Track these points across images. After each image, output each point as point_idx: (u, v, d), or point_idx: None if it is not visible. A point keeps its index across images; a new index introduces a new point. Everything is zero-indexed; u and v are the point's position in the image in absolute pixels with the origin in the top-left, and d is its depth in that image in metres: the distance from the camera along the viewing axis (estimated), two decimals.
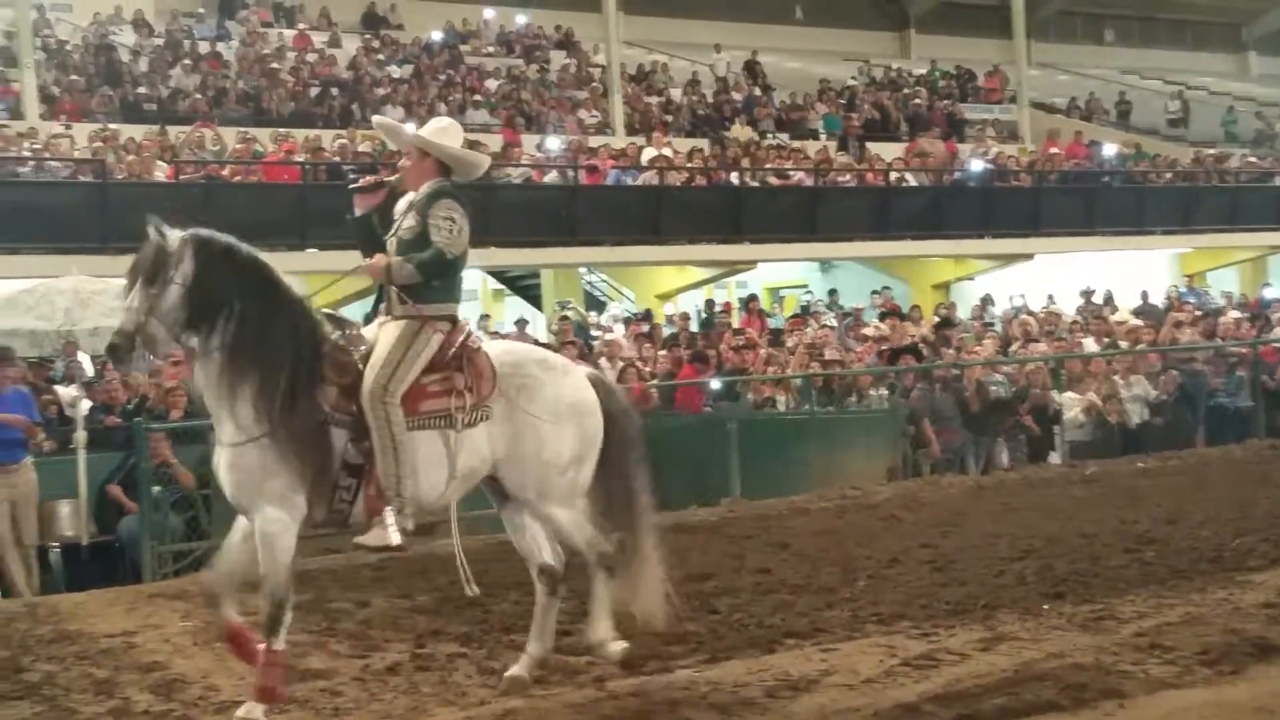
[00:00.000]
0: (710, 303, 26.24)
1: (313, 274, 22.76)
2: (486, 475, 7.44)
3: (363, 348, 7.28)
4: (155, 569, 11.94)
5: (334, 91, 27.57)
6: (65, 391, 13.80)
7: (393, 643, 8.92)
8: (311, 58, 28.81)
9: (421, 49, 30.98)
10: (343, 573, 11.61)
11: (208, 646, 9.01)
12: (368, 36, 30.99)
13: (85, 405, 13.25)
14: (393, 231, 7.43)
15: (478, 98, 29.30)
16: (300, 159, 22.93)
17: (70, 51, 27.00)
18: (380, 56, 29.90)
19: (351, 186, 7.63)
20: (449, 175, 7.51)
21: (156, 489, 12.31)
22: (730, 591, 10.12)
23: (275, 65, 27.90)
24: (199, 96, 26.03)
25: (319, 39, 29.99)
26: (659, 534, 7.95)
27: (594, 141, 27.94)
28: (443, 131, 7.57)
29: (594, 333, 22.09)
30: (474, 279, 26.13)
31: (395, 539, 7.13)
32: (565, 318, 22.03)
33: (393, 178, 7.69)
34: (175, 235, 7.00)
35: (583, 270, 27.03)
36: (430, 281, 7.30)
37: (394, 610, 10.03)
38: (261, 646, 7.01)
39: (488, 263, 24.76)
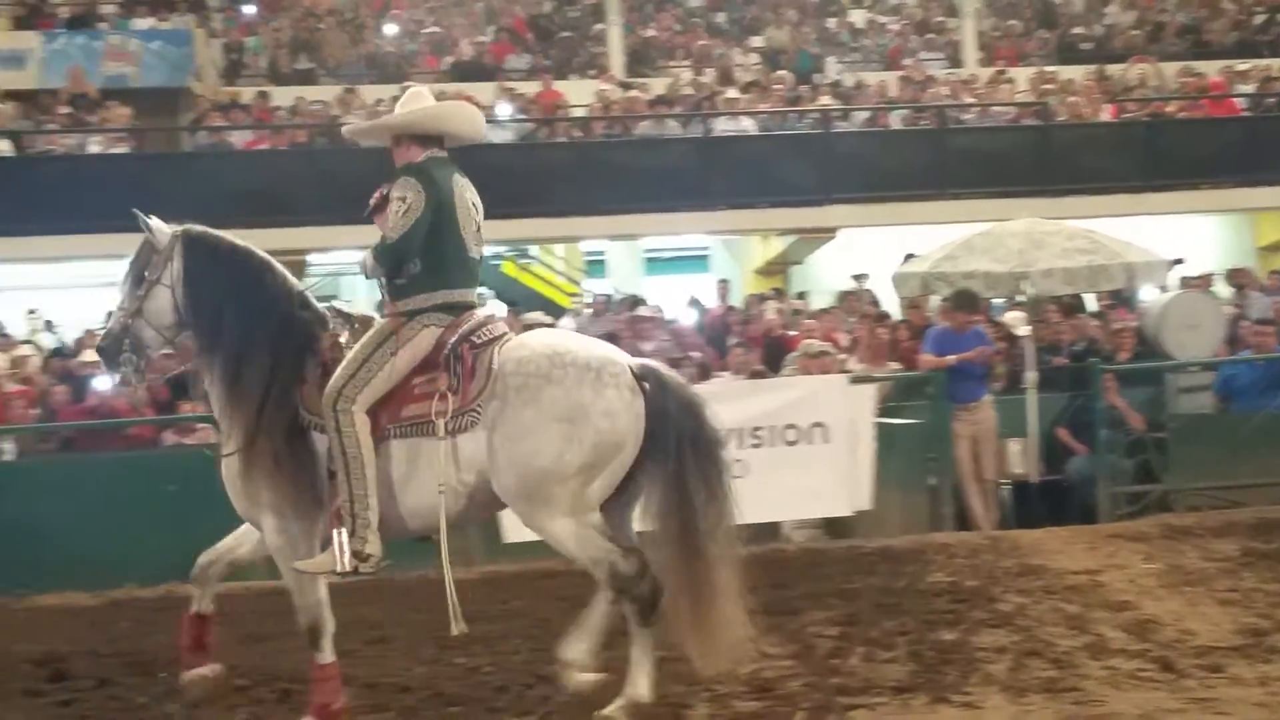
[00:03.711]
0: None
1: (1266, 211, 21.43)
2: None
3: None
4: (1110, 510, 11.85)
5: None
6: (1011, 315, 14.00)
7: None
8: None
9: None
10: None
11: (1176, 590, 8.81)
12: None
13: (1026, 330, 13.30)
14: None
15: None
16: (1247, 90, 21.86)
17: None
18: None
19: (366, 214, 6.74)
20: (440, 146, 6.68)
21: (1104, 431, 12.19)
22: None
23: None
24: (1136, 32, 25.50)
25: None
26: (734, 557, 6.40)
27: None
28: (406, 103, 6.80)
29: None
30: None
31: (342, 564, 6.31)
32: None
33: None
34: (165, 232, 6.69)
35: None
36: (399, 272, 6.47)
37: None
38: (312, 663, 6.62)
39: None
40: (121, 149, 19.21)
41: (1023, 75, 22.95)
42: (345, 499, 6.27)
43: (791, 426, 11.44)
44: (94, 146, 18.99)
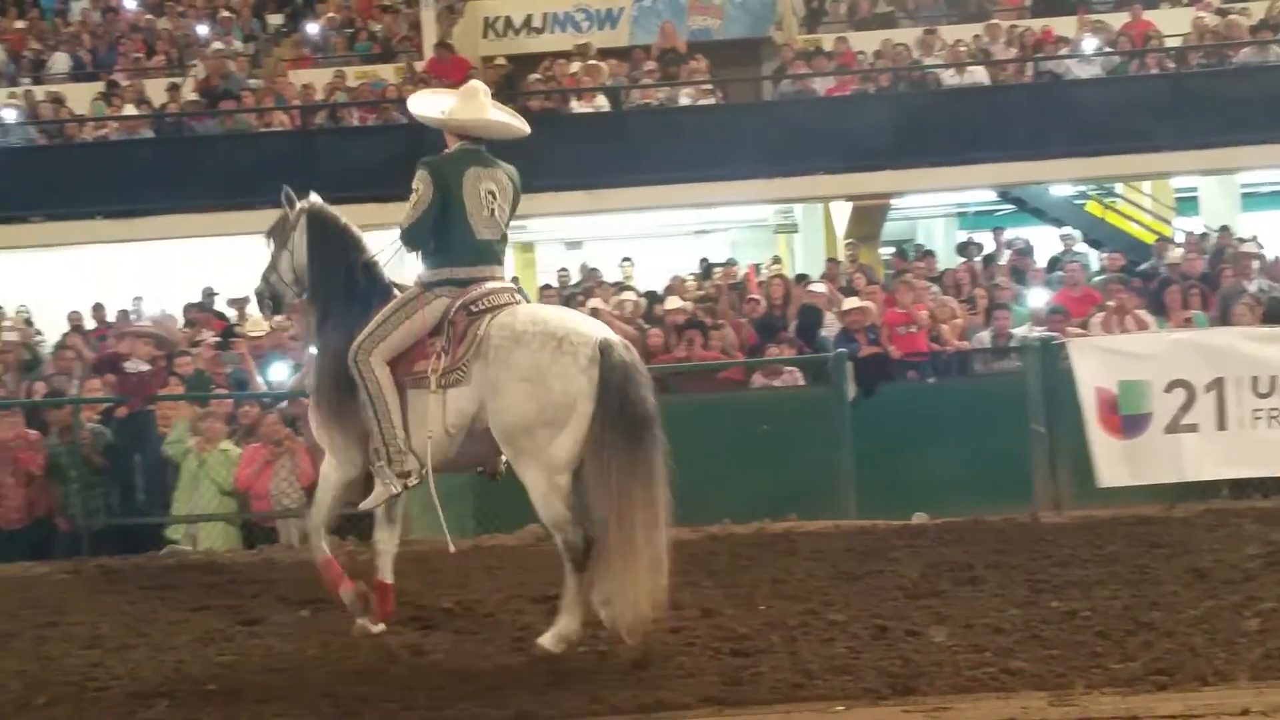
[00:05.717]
0: None
1: None
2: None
3: None
4: None
5: None
6: None
7: None
8: None
9: None
10: None
11: None
12: None
13: None
14: None
15: None
16: None
17: None
18: None
19: None
20: (478, 142, 7.53)
21: None
22: None
23: None
24: None
25: None
26: (655, 531, 6.93)
27: None
28: (459, 97, 7.59)
29: None
30: None
31: (393, 489, 7.40)
32: None
33: None
34: (298, 205, 7.87)
35: None
36: (423, 251, 7.50)
37: None
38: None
39: None
40: (708, 101, 19.84)
41: None
42: (376, 434, 7.40)
43: None
44: (684, 99, 19.72)
